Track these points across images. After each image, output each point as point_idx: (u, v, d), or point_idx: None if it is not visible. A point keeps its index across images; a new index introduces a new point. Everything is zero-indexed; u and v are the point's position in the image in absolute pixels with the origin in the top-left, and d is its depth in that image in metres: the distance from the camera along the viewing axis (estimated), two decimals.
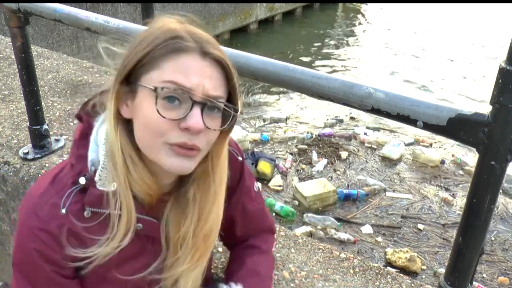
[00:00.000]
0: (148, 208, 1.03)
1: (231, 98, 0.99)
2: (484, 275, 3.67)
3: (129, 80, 0.95)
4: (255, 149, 5.12)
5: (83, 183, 0.97)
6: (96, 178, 0.97)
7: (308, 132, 5.63)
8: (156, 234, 1.07)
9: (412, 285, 1.48)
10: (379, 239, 3.99)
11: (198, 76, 0.91)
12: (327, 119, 6.13)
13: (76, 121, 2.27)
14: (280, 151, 5.23)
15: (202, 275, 1.13)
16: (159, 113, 0.90)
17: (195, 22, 0.99)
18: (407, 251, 3.75)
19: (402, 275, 1.53)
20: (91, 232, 0.98)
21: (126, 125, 0.98)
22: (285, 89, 6.89)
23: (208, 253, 1.12)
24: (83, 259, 0.98)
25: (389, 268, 3.46)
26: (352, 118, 6.18)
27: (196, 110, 0.91)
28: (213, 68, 0.94)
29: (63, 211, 0.96)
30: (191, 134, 0.91)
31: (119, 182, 0.96)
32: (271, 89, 7.02)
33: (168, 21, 0.97)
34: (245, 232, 1.32)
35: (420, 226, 4.13)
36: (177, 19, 0.98)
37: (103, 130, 1.00)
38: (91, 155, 1.00)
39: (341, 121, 6.08)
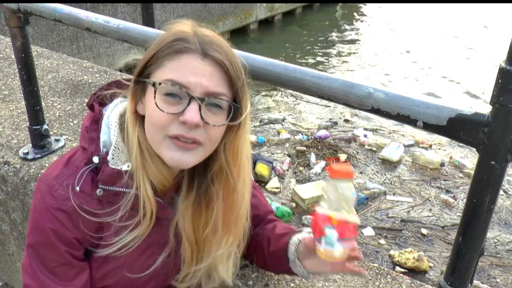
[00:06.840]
0: (161, 194, 1.09)
1: (236, 97, 1.02)
2: (498, 280, 3.63)
3: (141, 79, 1.02)
4: (252, 151, 5.10)
5: (96, 162, 1.03)
6: (109, 157, 1.03)
7: (303, 134, 5.61)
8: (163, 216, 1.11)
9: (412, 285, 1.48)
10: (382, 241, 3.97)
11: (197, 75, 0.96)
12: (321, 122, 6.10)
13: (76, 121, 2.28)
14: (278, 153, 5.22)
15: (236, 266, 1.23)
16: (157, 106, 0.95)
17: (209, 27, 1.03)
18: (411, 251, 3.74)
19: (402, 275, 1.53)
20: (103, 209, 1.03)
21: (143, 121, 1.04)
22: (281, 90, 6.90)
23: (240, 235, 1.18)
24: (105, 245, 1.05)
25: (397, 268, 3.45)
26: (346, 121, 6.15)
27: (194, 105, 0.95)
28: (214, 68, 0.97)
29: (77, 189, 1.02)
30: (188, 128, 0.96)
31: (136, 173, 1.02)
32: (269, 90, 7.00)
33: (182, 24, 1.02)
34: (261, 213, 1.38)
35: (424, 231, 4.10)
36: (194, 23, 1.03)
37: (113, 115, 1.07)
38: (102, 137, 1.06)
39: (336, 123, 6.05)
